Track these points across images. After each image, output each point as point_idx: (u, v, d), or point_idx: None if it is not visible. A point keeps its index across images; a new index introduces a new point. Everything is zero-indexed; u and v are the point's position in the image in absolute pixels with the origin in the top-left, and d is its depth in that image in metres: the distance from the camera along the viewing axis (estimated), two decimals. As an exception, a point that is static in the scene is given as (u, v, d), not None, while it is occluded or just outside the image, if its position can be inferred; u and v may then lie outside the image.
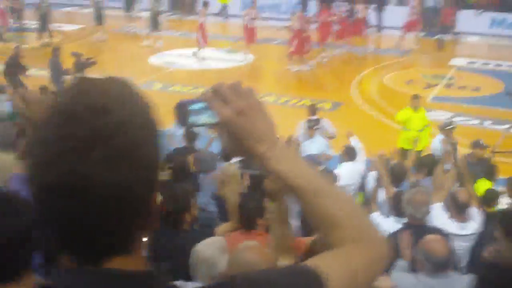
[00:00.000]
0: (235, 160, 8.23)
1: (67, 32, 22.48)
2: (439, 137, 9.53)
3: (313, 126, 9.76)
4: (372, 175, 7.49)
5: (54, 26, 21.72)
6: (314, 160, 8.21)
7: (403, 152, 10.06)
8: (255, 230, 4.47)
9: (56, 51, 14.63)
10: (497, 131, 12.21)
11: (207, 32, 18.70)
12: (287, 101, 14.97)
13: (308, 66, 17.69)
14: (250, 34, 18.73)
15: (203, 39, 18.46)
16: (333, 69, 18.37)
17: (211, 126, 1.23)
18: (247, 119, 1.19)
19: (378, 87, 16.57)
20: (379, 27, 23.40)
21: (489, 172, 7.77)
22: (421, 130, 10.39)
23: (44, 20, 20.97)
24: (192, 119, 1.20)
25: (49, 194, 0.99)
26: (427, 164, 7.47)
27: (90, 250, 1.03)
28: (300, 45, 17.31)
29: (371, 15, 22.34)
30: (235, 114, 1.18)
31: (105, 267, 1.03)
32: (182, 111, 1.21)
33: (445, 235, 4.69)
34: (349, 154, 8.18)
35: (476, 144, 8.74)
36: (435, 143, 9.52)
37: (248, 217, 4.57)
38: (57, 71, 14.33)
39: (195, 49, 18.73)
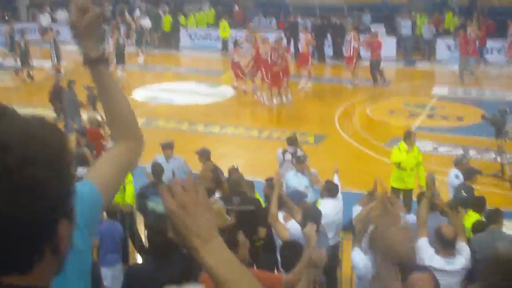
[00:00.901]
0: (217, 196, 8.13)
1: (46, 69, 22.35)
2: (454, 171, 9.44)
3: (303, 161, 9.59)
4: (357, 210, 7.33)
5: (34, 62, 21.60)
6: (298, 196, 8.04)
7: (395, 191, 9.90)
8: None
9: (71, 84, 14.46)
10: (481, 160, 12.18)
11: (242, 69, 18.48)
12: (269, 135, 14.90)
13: (285, 99, 17.56)
14: (238, 70, 18.70)
15: (241, 74, 18.41)
16: (315, 101, 18.35)
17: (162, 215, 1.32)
18: (189, 213, 1.34)
19: (361, 118, 16.56)
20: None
21: (477, 203, 7.68)
22: (413, 169, 10.09)
23: (24, 57, 20.91)
24: (151, 205, 1.29)
25: None
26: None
27: None
28: (274, 77, 17.14)
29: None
30: (178, 207, 1.34)
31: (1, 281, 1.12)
32: (142, 198, 1.30)
33: (430, 273, 4.55)
34: (331, 190, 8.00)
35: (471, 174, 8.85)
36: (451, 178, 9.43)
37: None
38: (73, 105, 14.27)
39: (234, 84, 18.87)
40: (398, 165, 10.05)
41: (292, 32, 24.48)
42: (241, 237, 4.77)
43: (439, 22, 24.84)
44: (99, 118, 11.88)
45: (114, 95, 1.98)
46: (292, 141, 10.39)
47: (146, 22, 26.14)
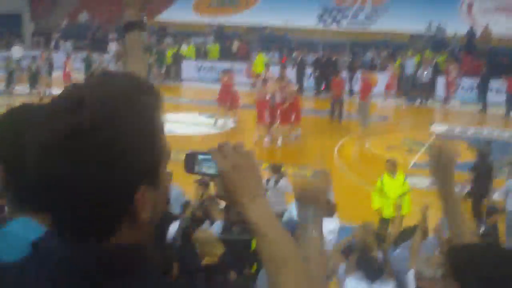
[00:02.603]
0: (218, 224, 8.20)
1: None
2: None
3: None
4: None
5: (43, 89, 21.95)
6: (294, 225, 8.13)
7: (383, 220, 10.02)
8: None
9: None
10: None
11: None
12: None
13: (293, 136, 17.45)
14: (233, 100, 18.92)
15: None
16: (314, 136, 18.52)
17: (212, 176, 1.45)
18: (239, 173, 1.40)
19: (360, 153, 16.69)
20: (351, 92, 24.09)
21: None
22: (397, 198, 10.24)
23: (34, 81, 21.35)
24: (198, 168, 1.43)
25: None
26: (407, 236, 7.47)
27: (70, 232, 1.16)
28: (268, 114, 16.95)
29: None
30: (231, 167, 1.40)
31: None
32: (191, 159, 1.45)
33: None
34: (328, 209, 8.08)
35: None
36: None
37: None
38: None
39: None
40: (380, 191, 10.34)
41: (299, 68, 24.93)
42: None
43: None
44: None
45: (137, 61, 2.11)
46: (276, 169, 10.70)
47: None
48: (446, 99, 22.93)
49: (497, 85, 22.37)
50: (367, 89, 19.19)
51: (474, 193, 11.53)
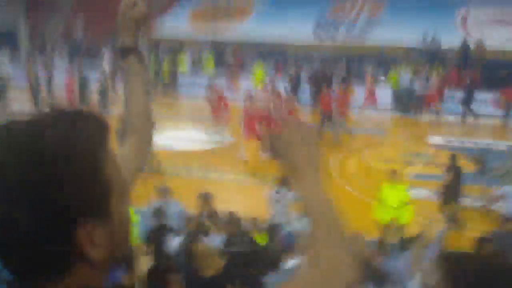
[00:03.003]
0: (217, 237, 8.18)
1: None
2: None
3: None
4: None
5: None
6: (293, 238, 8.13)
7: (383, 228, 10.07)
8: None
9: None
10: (476, 208, 12.28)
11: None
12: (267, 181, 14.96)
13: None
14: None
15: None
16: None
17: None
18: (307, 146, 1.52)
19: (357, 166, 16.68)
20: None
21: None
22: (397, 207, 10.36)
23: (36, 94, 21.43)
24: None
25: None
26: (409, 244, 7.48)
27: (21, 271, 1.12)
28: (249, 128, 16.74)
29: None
30: (299, 140, 1.53)
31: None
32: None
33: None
34: None
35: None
36: None
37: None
38: None
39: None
40: (381, 201, 10.49)
41: (296, 82, 25.04)
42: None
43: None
44: None
45: (136, 88, 2.04)
46: (284, 182, 10.61)
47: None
48: (437, 111, 23.04)
49: (491, 96, 22.48)
50: (344, 103, 19.18)
51: (445, 194, 11.85)
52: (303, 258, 1.49)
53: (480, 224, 11.16)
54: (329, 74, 25.10)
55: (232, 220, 8.76)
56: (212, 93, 19.47)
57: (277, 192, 10.58)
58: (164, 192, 10.28)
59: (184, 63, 28.66)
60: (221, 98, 19.02)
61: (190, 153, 17.76)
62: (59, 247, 1.09)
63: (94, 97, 23.24)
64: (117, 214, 1.16)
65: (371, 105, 23.26)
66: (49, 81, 24.31)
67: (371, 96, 23.38)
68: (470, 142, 19.18)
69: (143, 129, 1.99)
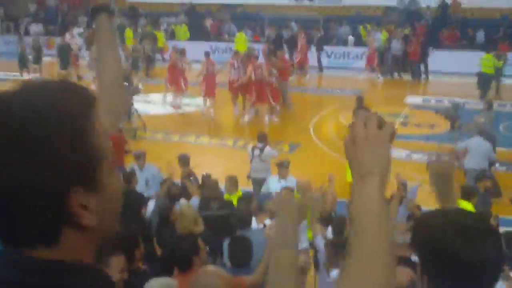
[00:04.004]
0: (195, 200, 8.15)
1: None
2: None
3: (287, 166, 9.82)
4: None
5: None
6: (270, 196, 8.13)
7: None
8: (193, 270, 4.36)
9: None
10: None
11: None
12: (244, 144, 14.95)
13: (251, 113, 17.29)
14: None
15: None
16: (290, 111, 18.39)
17: None
18: (368, 146, 1.38)
19: (335, 126, 16.68)
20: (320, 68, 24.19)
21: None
22: None
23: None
24: None
25: None
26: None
27: (11, 239, 1.13)
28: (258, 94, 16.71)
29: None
30: (363, 137, 1.38)
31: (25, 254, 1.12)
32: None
33: (412, 264, 4.56)
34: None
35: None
36: None
37: (184, 258, 4.50)
38: None
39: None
40: None
41: (276, 44, 24.75)
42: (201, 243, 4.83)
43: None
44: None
45: (107, 46, 2.06)
46: (262, 137, 10.97)
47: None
48: (412, 71, 23.10)
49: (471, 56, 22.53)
50: (285, 68, 18.54)
51: None
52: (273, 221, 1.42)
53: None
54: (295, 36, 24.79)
55: (208, 183, 8.72)
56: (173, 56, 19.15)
57: (256, 148, 10.77)
58: (139, 156, 10.21)
59: (162, 37, 27.78)
60: (175, 66, 18.72)
61: (166, 117, 17.65)
62: (50, 211, 1.10)
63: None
64: (107, 185, 1.17)
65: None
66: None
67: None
68: (448, 101, 19.26)
69: (115, 86, 2.00)
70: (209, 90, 17.29)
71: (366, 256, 1.30)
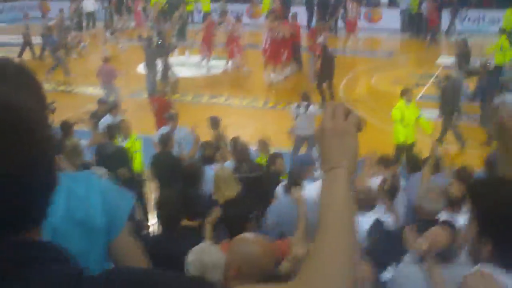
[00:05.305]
0: (229, 163, 8.16)
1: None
2: None
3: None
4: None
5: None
6: (308, 161, 8.04)
7: (399, 148, 10.16)
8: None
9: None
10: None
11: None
12: (274, 105, 14.94)
13: (282, 75, 17.32)
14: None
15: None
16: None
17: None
18: (335, 139, 1.36)
19: (366, 88, 16.53)
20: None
21: None
22: (412, 125, 10.57)
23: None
24: None
25: None
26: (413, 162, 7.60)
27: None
28: (273, 53, 16.89)
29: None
30: (331, 128, 1.37)
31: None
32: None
33: (452, 226, 4.57)
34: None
35: None
36: None
37: (235, 223, 4.50)
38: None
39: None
40: (401, 121, 10.46)
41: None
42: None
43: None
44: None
45: None
46: (306, 96, 11.11)
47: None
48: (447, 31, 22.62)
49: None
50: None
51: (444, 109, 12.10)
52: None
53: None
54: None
55: (238, 146, 8.70)
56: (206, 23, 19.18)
57: (299, 106, 10.90)
58: (172, 118, 10.20)
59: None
60: (210, 27, 18.70)
61: (196, 79, 17.65)
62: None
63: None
64: None
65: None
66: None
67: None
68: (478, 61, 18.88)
69: None
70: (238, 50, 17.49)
71: (328, 253, 1.25)
